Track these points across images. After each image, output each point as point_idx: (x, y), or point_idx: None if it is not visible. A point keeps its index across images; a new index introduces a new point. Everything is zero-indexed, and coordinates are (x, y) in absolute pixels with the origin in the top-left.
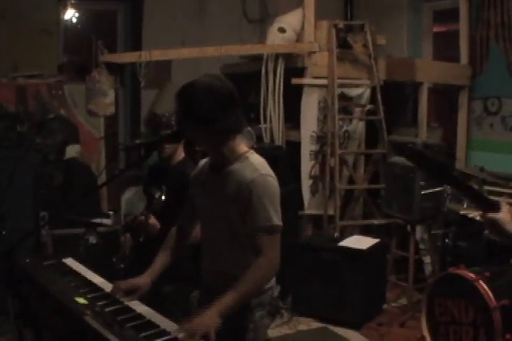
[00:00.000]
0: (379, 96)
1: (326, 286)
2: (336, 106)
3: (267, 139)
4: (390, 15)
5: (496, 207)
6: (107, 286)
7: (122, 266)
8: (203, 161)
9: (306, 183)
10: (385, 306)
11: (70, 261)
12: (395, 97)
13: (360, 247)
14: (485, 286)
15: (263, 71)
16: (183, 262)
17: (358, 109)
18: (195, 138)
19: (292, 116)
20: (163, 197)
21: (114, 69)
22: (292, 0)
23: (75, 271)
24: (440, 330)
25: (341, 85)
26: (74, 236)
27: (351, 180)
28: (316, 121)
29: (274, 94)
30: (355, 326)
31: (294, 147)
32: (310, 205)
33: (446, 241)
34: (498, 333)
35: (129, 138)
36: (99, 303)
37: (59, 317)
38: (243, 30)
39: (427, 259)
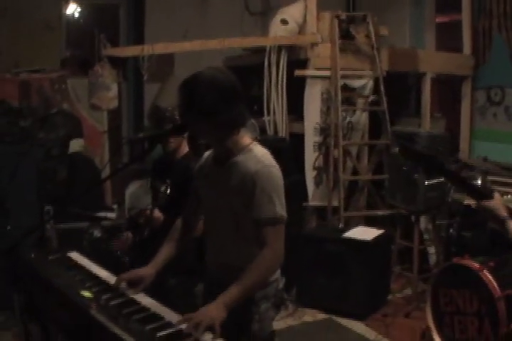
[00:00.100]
0: (382, 87)
1: (331, 277)
2: (339, 97)
3: (270, 131)
4: (393, 5)
5: (487, 196)
6: (112, 280)
7: (127, 259)
8: (207, 154)
9: (310, 175)
10: (389, 297)
11: (74, 255)
12: (398, 88)
13: (364, 238)
14: (489, 276)
15: (266, 63)
16: (188, 255)
17: (361, 100)
18: (199, 131)
19: (295, 108)
20: (168, 191)
21: (116, 63)
22: None
23: (79, 264)
24: (445, 320)
25: (344, 76)
26: (78, 230)
27: (355, 171)
28: (319, 113)
29: (277, 86)
30: (360, 317)
31: (298, 139)
32: (314, 197)
33: (451, 231)
34: (503, 323)
35: (133, 131)
36: (104, 297)
37: (64, 311)
38: (245, 23)
39: (432, 250)
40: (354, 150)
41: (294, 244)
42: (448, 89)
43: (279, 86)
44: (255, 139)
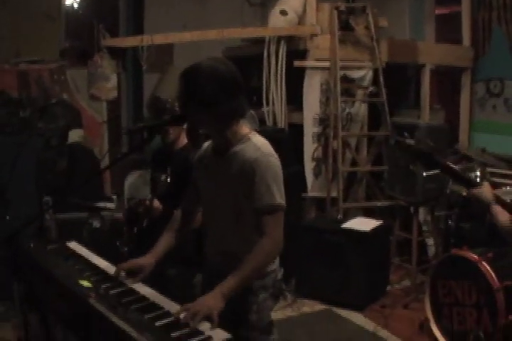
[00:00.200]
0: (381, 78)
1: (330, 268)
2: (339, 88)
3: (269, 122)
4: None
5: (477, 185)
6: (111, 269)
7: (126, 249)
8: (206, 144)
9: (309, 166)
10: (388, 288)
11: (73, 245)
12: (397, 79)
13: (363, 229)
14: (488, 267)
15: (265, 54)
16: (187, 246)
17: (360, 91)
18: (199, 122)
19: (295, 99)
20: (168, 179)
21: (116, 53)
22: None
23: (78, 254)
24: (443, 312)
25: (343, 67)
26: (78, 220)
27: (354, 163)
28: (318, 104)
29: (276, 76)
30: (359, 308)
31: (297, 129)
32: (313, 188)
33: (449, 222)
34: (502, 314)
35: (132, 122)
36: (103, 286)
37: (63, 301)
38: (245, 13)
39: (430, 241)
40: (353, 142)
41: (293, 234)
42: (447, 80)
43: (279, 77)
44: (254, 130)
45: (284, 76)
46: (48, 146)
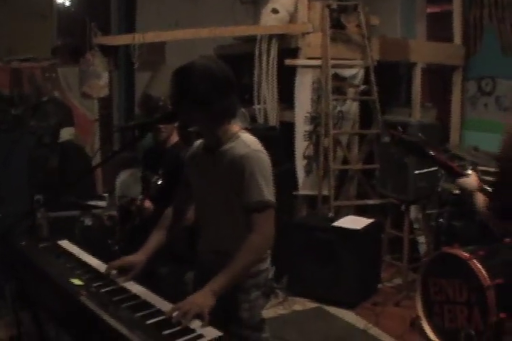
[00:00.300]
0: (372, 77)
1: (321, 266)
2: (330, 86)
3: (261, 120)
4: None
5: (464, 175)
6: (102, 268)
7: (117, 248)
8: (197, 143)
9: (300, 164)
10: (379, 286)
11: (65, 243)
12: (389, 77)
13: (354, 227)
14: (479, 265)
15: (257, 52)
16: (178, 243)
17: (351, 90)
18: (191, 120)
19: (286, 97)
20: (159, 182)
21: (108, 51)
22: None
23: (70, 252)
24: (434, 309)
25: (335, 66)
26: (69, 218)
27: (345, 161)
28: (310, 102)
29: (267, 75)
30: (350, 306)
31: (288, 128)
32: (304, 186)
33: (441, 220)
34: (493, 312)
35: (124, 120)
36: (94, 284)
37: (55, 299)
38: (237, 12)
39: (422, 239)
40: (344, 140)
41: (285, 232)
42: (439, 79)
43: (270, 75)
44: (245, 129)
45: (275, 74)
46: (39, 144)
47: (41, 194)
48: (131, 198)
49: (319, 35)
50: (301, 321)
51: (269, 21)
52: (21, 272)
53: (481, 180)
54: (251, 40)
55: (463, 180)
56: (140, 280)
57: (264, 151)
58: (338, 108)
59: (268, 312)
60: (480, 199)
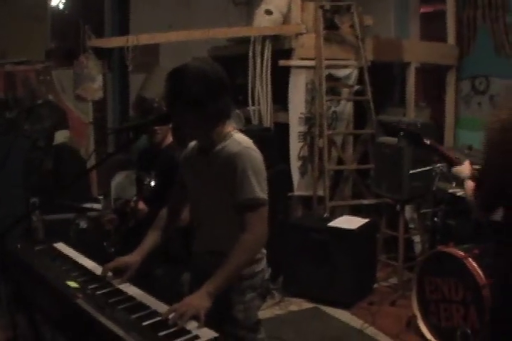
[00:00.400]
0: (366, 77)
1: (317, 267)
2: (324, 87)
3: (255, 121)
4: None
5: (458, 163)
6: (98, 270)
7: (113, 250)
8: (192, 144)
9: (295, 165)
10: (375, 285)
11: (60, 246)
12: (383, 78)
13: (350, 227)
14: (474, 264)
15: (250, 53)
16: (173, 244)
17: (345, 90)
18: (185, 122)
19: (280, 98)
20: (152, 183)
21: (102, 54)
22: None
23: (65, 255)
24: (430, 308)
25: (329, 66)
26: (64, 221)
27: (340, 161)
28: (304, 103)
29: (261, 76)
30: (346, 305)
31: (283, 129)
32: (299, 186)
33: (436, 219)
34: (488, 310)
35: (118, 122)
36: (90, 286)
37: (51, 301)
38: (230, 13)
39: (417, 238)
40: (339, 140)
41: (280, 233)
42: (432, 78)
43: (264, 76)
44: (240, 130)
45: (269, 75)
46: (34, 147)
47: (36, 197)
48: (126, 200)
49: (313, 35)
50: (298, 321)
51: (263, 22)
52: (17, 274)
53: (475, 170)
54: (245, 41)
55: (457, 168)
56: (136, 281)
57: (257, 149)
58: (333, 108)
59: (264, 313)
60: (470, 187)
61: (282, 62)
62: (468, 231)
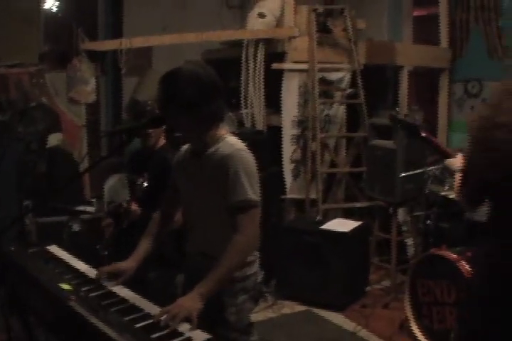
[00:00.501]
0: (359, 80)
1: (310, 269)
2: (317, 90)
3: (248, 124)
4: None
5: (451, 155)
6: (91, 272)
7: (106, 253)
8: (185, 147)
9: (287, 167)
10: (368, 288)
11: (53, 248)
12: (376, 81)
13: (342, 230)
14: (467, 266)
15: (243, 56)
16: (167, 247)
17: (338, 93)
18: (178, 125)
19: (273, 101)
20: (145, 184)
21: (95, 57)
22: None
23: (58, 257)
24: (423, 311)
25: (322, 69)
26: (58, 223)
27: (333, 164)
28: (296, 106)
29: (254, 79)
30: (339, 308)
31: (276, 132)
32: (292, 189)
33: (428, 222)
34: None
35: (111, 125)
36: (83, 289)
37: (45, 304)
38: (224, 16)
39: (410, 241)
40: (332, 143)
41: (273, 236)
42: (425, 81)
43: (257, 79)
44: (233, 133)
45: (262, 78)
46: (27, 150)
47: (30, 199)
48: (118, 203)
49: (306, 39)
50: (291, 324)
51: (256, 26)
52: (11, 277)
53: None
54: (238, 44)
55: (450, 160)
56: (129, 285)
57: (249, 152)
58: (325, 111)
59: (257, 316)
60: (459, 180)
61: (275, 65)
62: (460, 234)
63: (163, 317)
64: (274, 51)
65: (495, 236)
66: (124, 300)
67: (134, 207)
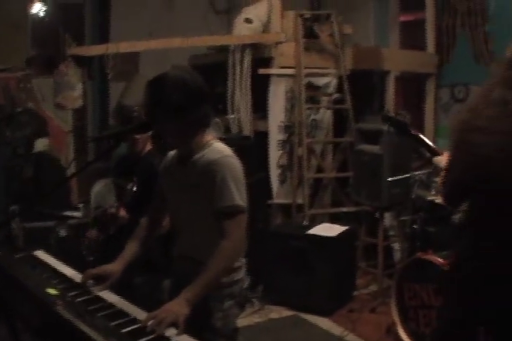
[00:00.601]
0: (346, 85)
1: (297, 274)
2: (303, 95)
3: (235, 129)
4: (357, 3)
5: (439, 153)
6: (78, 277)
7: (92, 258)
8: (172, 153)
9: (274, 173)
10: (355, 293)
11: (40, 254)
12: (362, 86)
13: (329, 235)
14: None
15: (230, 62)
16: (154, 252)
17: (325, 98)
18: (165, 130)
19: (260, 107)
20: (134, 189)
21: (82, 62)
22: None
23: (45, 263)
24: (410, 315)
25: (308, 75)
26: (45, 229)
27: (320, 169)
28: (283, 111)
29: (241, 84)
30: (327, 313)
31: (262, 137)
32: (279, 195)
33: (415, 226)
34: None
35: (98, 130)
36: (70, 294)
37: (31, 309)
38: (210, 22)
39: (396, 245)
40: (318, 148)
41: (260, 241)
42: (412, 86)
43: (244, 84)
44: (220, 138)
45: (249, 83)
46: (14, 155)
47: (16, 204)
48: (105, 208)
49: (292, 44)
50: (278, 329)
51: (243, 31)
52: None
53: None
54: (225, 49)
55: (438, 158)
56: (116, 290)
57: (236, 158)
58: (312, 117)
59: (244, 321)
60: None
61: (262, 71)
62: (447, 238)
63: (149, 322)
64: (260, 56)
65: (469, 237)
66: (110, 305)
67: (123, 212)
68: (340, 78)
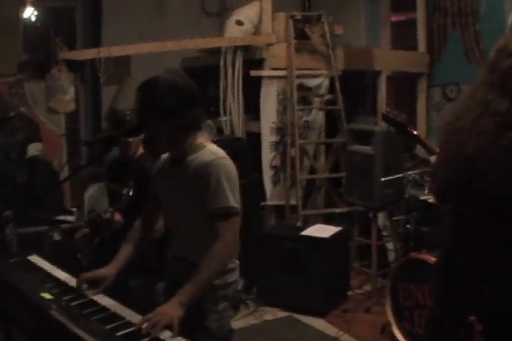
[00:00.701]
0: (338, 86)
1: (291, 275)
2: (295, 96)
3: (227, 131)
4: (348, 4)
5: (434, 152)
6: (72, 281)
7: (86, 262)
8: (164, 156)
9: (267, 174)
10: (349, 293)
11: (34, 258)
12: (354, 86)
13: (323, 235)
14: None
15: (222, 64)
16: (147, 255)
17: (317, 99)
18: (156, 133)
19: (252, 108)
20: (130, 193)
21: (74, 66)
22: None
23: (40, 267)
24: (404, 315)
25: (300, 76)
26: (38, 233)
27: (312, 170)
28: (275, 112)
29: (233, 86)
30: (321, 314)
31: (255, 138)
32: (272, 196)
33: (408, 226)
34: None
35: (91, 134)
36: (64, 298)
37: (26, 313)
38: (202, 24)
39: (390, 245)
40: (311, 149)
41: (254, 243)
42: (404, 86)
43: (236, 86)
44: (212, 141)
45: (241, 85)
46: (7, 160)
47: (10, 209)
48: (99, 212)
49: (284, 45)
50: (273, 330)
51: (234, 33)
52: None
53: None
54: (216, 52)
55: (434, 157)
56: (110, 293)
57: (230, 160)
58: (304, 118)
59: (239, 323)
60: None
61: (254, 73)
62: (440, 238)
63: (144, 325)
64: (252, 58)
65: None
66: (105, 309)
67: (118, 217)
68: (331, 79)
